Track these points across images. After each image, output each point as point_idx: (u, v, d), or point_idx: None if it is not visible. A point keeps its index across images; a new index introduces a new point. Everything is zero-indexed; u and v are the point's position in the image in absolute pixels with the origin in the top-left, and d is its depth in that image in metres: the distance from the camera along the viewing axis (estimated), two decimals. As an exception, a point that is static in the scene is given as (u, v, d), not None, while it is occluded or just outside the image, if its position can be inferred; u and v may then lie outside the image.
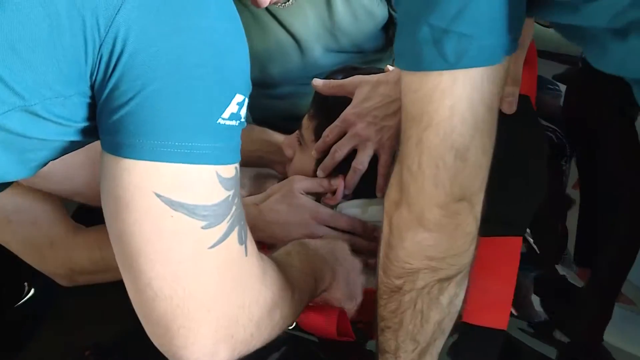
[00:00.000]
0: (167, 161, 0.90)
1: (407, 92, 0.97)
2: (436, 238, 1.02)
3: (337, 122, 1.38)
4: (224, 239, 0.95)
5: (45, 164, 0.97)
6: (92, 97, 0.91)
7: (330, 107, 1.40)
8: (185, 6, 0.89)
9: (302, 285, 1.14)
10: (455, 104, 0.94)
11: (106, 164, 0.92)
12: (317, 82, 1.43)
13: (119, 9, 0.86)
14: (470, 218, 1.01)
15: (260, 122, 1.68)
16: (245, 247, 0.99)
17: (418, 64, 0.94)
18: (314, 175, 1.42)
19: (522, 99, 1.08)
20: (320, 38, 1.73)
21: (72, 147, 0.96)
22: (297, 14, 1.71)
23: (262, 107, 1.77)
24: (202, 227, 0.93)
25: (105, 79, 0.89)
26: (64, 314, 1.40)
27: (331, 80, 1.43)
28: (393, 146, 1.30)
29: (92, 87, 0.90)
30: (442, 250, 1.02)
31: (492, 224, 1.05)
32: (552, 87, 1.68)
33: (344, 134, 1.38)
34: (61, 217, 1.30)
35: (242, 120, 0.94)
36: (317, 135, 1.41)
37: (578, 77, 1.18)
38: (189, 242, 0.93)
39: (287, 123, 1.64)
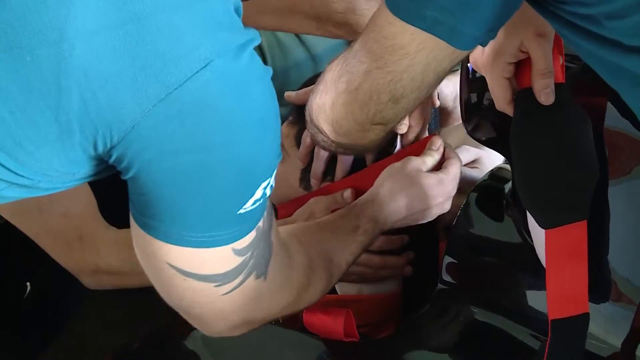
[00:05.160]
0: (180, 245, 0.92)
1: (377, 31, 1.00)
2: (338, 139, 1.12)
3: None
4: (238, 286, 0.99)
5: None
6: (103, 162, 0.90)
7: None
8: (208, 121, 0.86)
9: (336, 256, 1.19)
10: (412, 65, 0.99)
11: (132, 222, 0.96)
12: (290, 94, 1.43)
13: (134, 126, 0.84)
14: (381, 134, 1.11)
15: None
16: (265, 274, 1.01)
17: (397, 9, 0.96)
18: (301, 184, 1.42)
19: (558, 87, 1.10)
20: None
21: None
22: None
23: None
24: (215, 286, 0.97)
25: (119, 168, 0.89)
26: (69, 316, 1.40)
27: (302, 89, 1.42)
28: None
29: (104, 160, 0.89)
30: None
31: (554, 214, 1.09)
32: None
33: None
34: (93, 211, 1.28)
35: (268, 195, 0.94)
36: (299, 141, 1.40)
37: (580, 75, 1.18)
38: (201, 294, 0.98)
39: None
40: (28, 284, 1.42)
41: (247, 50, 0.87)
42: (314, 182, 1.40)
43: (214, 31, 0.85)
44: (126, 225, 1.23)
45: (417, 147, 1.36)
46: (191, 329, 1.22)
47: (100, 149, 0.86)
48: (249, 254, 0.97)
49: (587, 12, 0.91)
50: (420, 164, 1.31)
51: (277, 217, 1.40)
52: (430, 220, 1.33)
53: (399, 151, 1.38)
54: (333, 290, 1.37)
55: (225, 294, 0.98)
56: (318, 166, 1.39)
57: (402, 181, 1.29)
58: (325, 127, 1.11)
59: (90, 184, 1.24)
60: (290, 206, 1.38)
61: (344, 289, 1.38)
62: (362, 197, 1.29)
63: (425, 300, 1.34)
